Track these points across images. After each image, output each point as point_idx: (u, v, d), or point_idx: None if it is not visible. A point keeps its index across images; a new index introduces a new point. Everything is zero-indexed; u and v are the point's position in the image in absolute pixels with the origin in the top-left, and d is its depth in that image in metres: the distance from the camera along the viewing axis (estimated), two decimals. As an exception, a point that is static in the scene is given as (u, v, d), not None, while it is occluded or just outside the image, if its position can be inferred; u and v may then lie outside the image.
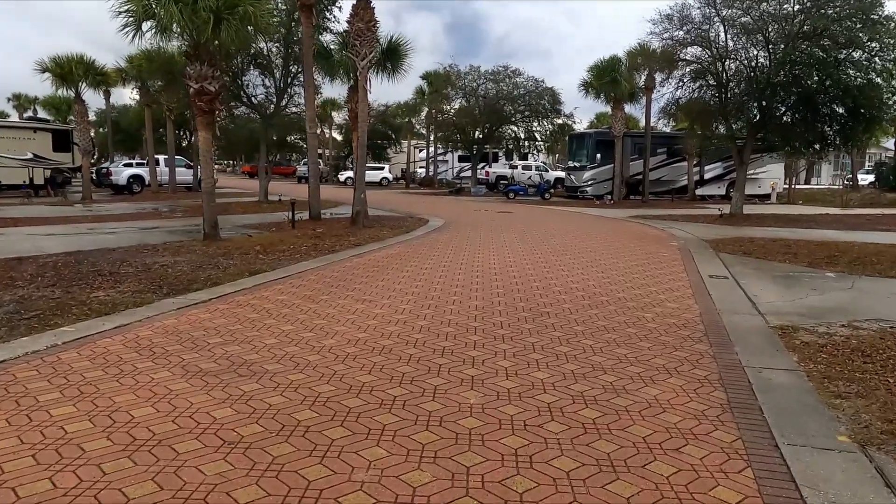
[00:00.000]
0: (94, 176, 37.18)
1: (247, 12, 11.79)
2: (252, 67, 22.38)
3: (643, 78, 27.25)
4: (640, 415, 4.02)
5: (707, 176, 32.78)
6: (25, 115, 40.33)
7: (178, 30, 11.78)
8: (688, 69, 20.30)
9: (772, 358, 5.30)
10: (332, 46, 20.00)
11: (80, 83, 25.72)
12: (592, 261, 10.67)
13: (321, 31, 20.45)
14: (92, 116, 55.53)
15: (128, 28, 11.81)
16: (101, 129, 48.74)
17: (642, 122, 32.15)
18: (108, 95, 38.19)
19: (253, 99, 23.68)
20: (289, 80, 23.37)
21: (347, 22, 15.13)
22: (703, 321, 6.54)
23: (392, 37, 17.81)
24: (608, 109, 31.29)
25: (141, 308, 6.74)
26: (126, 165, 34.71)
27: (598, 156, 30.23)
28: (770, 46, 18.21)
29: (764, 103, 18.89)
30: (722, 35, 19.35)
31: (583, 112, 57.37)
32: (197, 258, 10.35)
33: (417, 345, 5.44)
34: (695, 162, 31.77)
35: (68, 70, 24.93)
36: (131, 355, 5.07)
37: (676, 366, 5.01)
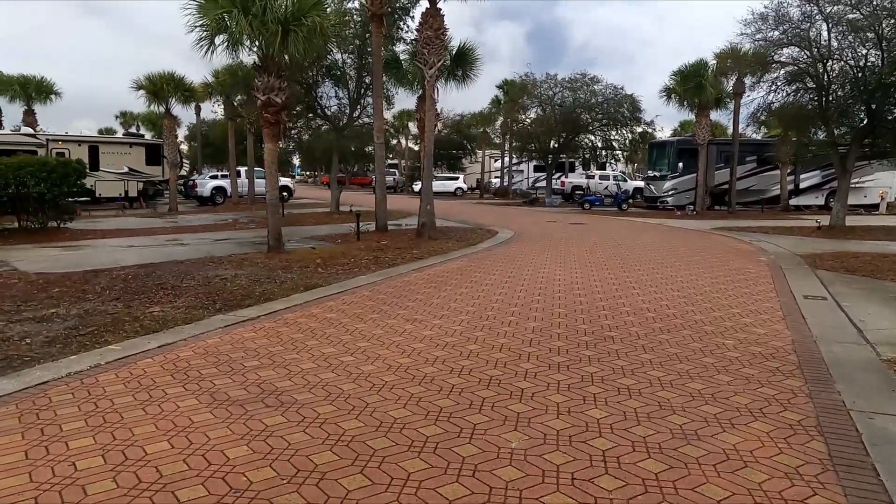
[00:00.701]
0: (181, 188, 39.21)
1: (315, 23, 11.74)
2: (326, 79, 22.59)
3: (731, 82, 25.70)
4: (714, 470, 3.36)
5: (803, 185, 30.54)
6: (124, 132, 42.88)
7: (248, 42, 11.87)
8: (782, 72, 18.86)
9: (887, 400, 4.47)
10: (403, 56, 19.90)
11: (170, 99, 26.99)
12: (667, 277, 9.83)
13: (393, 41, 20.41)
14: (185, 131, 58.71)
15: (202, 42, 12.01)
16: (192, 143, 51.31)
17: (730, 130, 30.35)
18: (198, 110, 40.00)
19: (327, 110, 23.93)
20: (361, 90, 23.49)
21: (416, 30, 14.91)
22: (797, 351, 5.70)
23: (462, 43, 17.49)
24: (692, 117, 29.72)
25: (189, 325, 6.59)
26: (212, 178, 36.10)
27: (681, 164, 28.75)
28: (883, 43, 16.57)
29: (874, 106, 17.22)
30: (824, 34, 17.84)
31: (665, 120, 55.34)
32: (257, 271, 10.29)
33: (463, 373, 4.95)
34: (789, 170, 29.67)
35: (160, 87, 26.21)
36: (165, 379, 4.85)
37: (762, 406, 4.28)
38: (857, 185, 24.61)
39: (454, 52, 17.47)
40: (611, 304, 7.69)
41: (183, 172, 58.93)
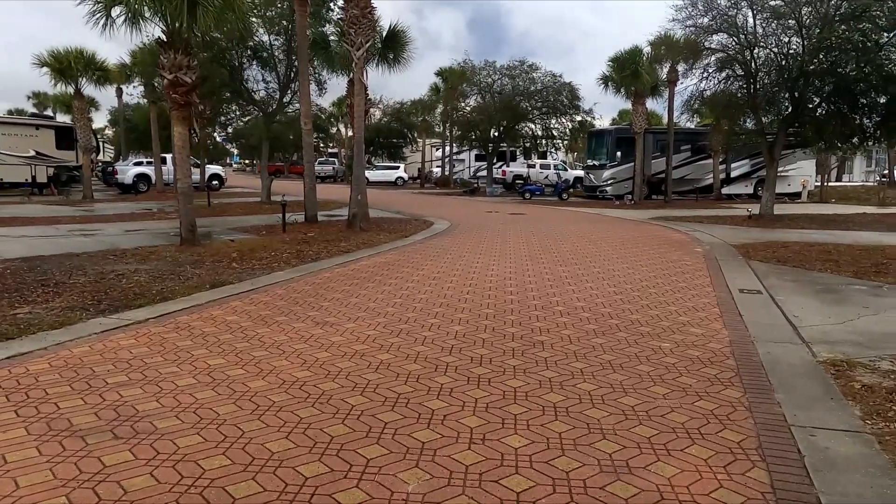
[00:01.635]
0: (100, 175, 36.90)
1: (225, -5, 10.75)
2: (253, 61, 21.34)
3: (666, 70, 25.74)
4: (647, 514, 2.81)
5: (734, 174, 31.14)
6: (29, 113, 39.51)
7: (150, 14, 10.77)
8: (713, 58, 18.82)
9: (826, 412, 4.05)
10: (333, 38, 18.88)
11: (80, 78, 25.04)
12: (605, 271, 9.42)
13: (323, 21, 19.39)
14: (107, 115, 55.35)
15: (97, 14, 10.84)
16: (117, 128, 48.41)
17: (666, 119, 30.55)
18: (119, 92, 37.60)
19: (254, 94, 22.68)
20: (291, 74, 22.35)
21: (341, 8, 14.02)
22: (734, 353, 5.29)
23: (392, 24, 16.62)
24: (630, 106, 29.78)
25: (57, 331, 5.68)
26: (136, 164, 34.01)
27: (619, 154, 28.77)
28: (804, 31, 16.66)
29: (797, 94, 17.36)
30: (750, 20, 17.87)
31: (604, 108, 55.73)
32: (162, 266, 9.32)
33: (367, 390, 4.28)
34: (721, 159, 30.15)
35: (66, 64, 24.23)
36: None
37: (700, 425, 3.79)
38: (782, 174, 25.10)
39: (385, 34, 16.62)
40: (543, 302, 7.16)
41: (108, 158, 55.92)
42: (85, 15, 10.78)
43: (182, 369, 4.66)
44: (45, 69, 24.50)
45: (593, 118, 35.54)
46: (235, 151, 74.19)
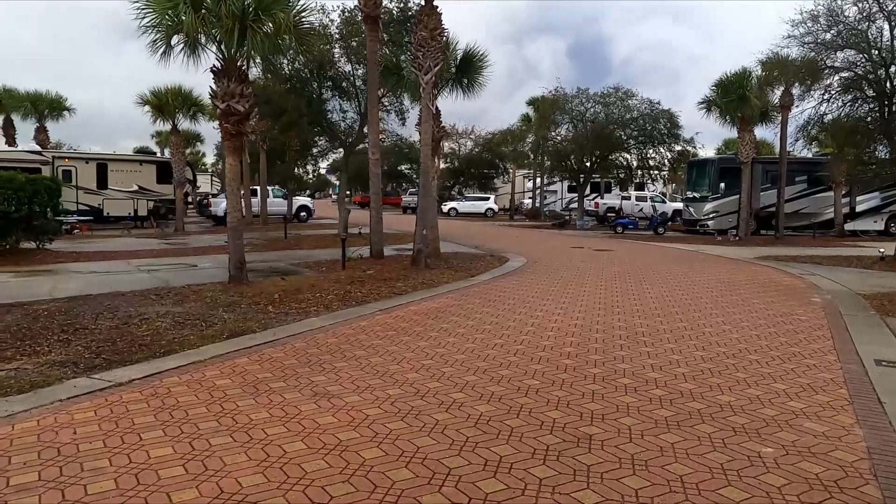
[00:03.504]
0: (196, 207, 38.40)
1: (279, 20, 10.18)
2: (332, 91, 21.11)
3: (778, 94, 23.23)
4: None
5: (860, 208, 27.65)
6: (134, 149, 41.63)
7: (205, 41, 10.38)
8: (836, 78, 16.52)
9: None
10: (405, 63, 18.24)
11: (177, 114, 25.96)
12: (694, 326, 7.76)
13: (402, 49, 18.79)
14: (213, 149, 58.20)
15: (157, 44, 10.57)
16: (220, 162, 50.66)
17: (777, 147, 27.70)
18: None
19: (336, 126, 22.47)
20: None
21: (409, 31, 13.22)
22: (877, 473, 3.65)
23: (468, 47, 15.67)
24: (735, 134, 27.21)
25: (23, 395, 4.90)
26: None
27: (722, 185, 26.29)
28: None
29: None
30: (886, 34, 15.51)
31: (707, 137, 52.06)
32: (195, 309, 8.62)
33: (322, 516, 3.08)
34: (843, 192, 26.85)
35: (165, 101, 25.19)
36: None
37: None
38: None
39: (459, 58, 15.69)
40: (606, 370, 5.70)
41: (215, 191, 58.59)
42: (147, 45, 10.53)
43: (117, 464, 3.66)
44: (146, 107, 25.66)
45: (695, 147, 33.06)
46: (336, 182, 76.07)
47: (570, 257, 16.91)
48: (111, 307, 8.76)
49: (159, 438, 4.03)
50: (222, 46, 10.49)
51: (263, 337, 7.00)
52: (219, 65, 10.66)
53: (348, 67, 20.77)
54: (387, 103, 22.97)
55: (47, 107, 28.72)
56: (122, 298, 9.51)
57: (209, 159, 72.21)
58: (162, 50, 10.60)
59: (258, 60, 11.13)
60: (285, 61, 19.05)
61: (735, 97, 22.72)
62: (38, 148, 27.46)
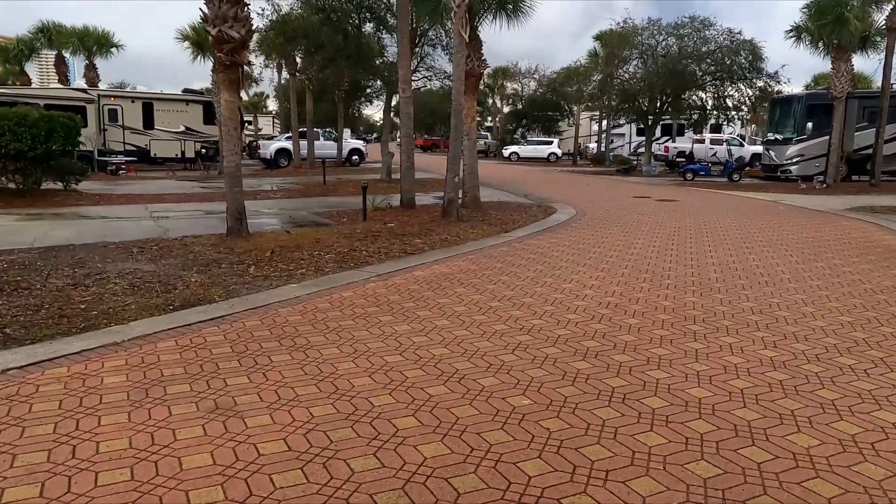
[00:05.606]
0: (247, 150, 37.77)
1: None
2: (369, 23, 19.34)
3: (886, 12, 19.77)
4: None
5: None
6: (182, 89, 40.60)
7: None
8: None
9: None
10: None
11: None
12: (763, 309, 6.00)
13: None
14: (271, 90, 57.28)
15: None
16: (286, 103, 49.60)
17: (880, 80, 24.08)
18: (279, 67, 37.29)
19: (376, 63, 20.81)
20: (416, 38, 20.07)
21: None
22: None
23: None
24: (828, 67, 23.72)
25: None
26: (288, 138, 33.97)
27: (809, 125, 23.19)
28: None
29: None
30: None
31: (795, 72, 46.45)
32: (167, 268, 7.50)
33: None
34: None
35: (204, 37, 24.07)
36: None
37: None
38: None
39: (500, -22, 13.65)
40: (630, 385, 4.14)
41: (276, 133, 58.03)
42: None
43: None
44: (186, 43, 24.68)
45: (779, 83, 29.42)
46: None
47: (625, 208, 14.99)
48: (81, 261, 7.79)
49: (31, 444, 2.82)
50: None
51: (217, 310, 5.76)
52: (208, -18, 9.22)
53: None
54: (432, 36, 21.11)
55: (95, 42, 28.26)
56: (101, 251, 8.54)
57: (272, 103, 71.39)
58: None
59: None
60: None
61: (830, 19, 19.50)
62: (84, 86, 27.11)
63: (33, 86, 31.66)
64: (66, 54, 28.62)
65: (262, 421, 3.48)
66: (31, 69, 32.84)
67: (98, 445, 3.18)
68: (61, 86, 27.05)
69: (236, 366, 4.34)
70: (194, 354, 4.56)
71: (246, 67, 9.54)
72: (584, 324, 5.42)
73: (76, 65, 30.22)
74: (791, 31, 21.75)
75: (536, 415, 3.59)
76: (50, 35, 27.88)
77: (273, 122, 67.79)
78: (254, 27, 9.74)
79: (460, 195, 13.50)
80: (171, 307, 5.81)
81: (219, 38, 9.19)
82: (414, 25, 19.76)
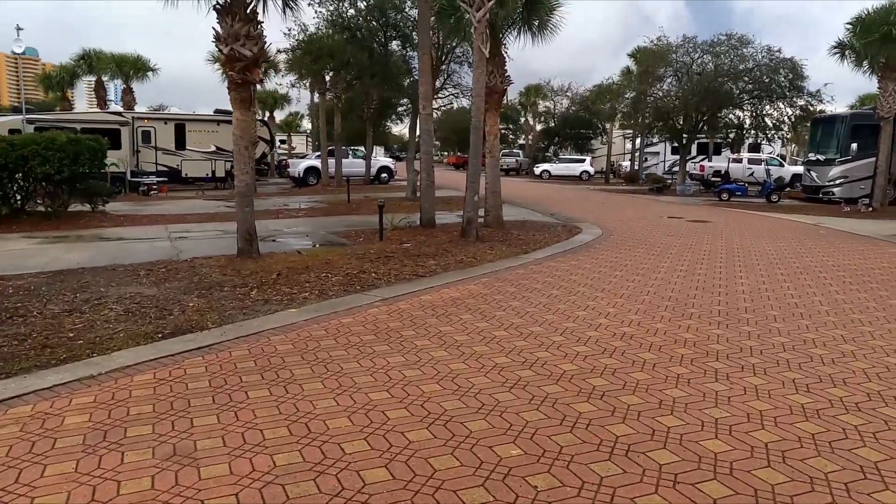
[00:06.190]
0: (277, 169, 38.15)
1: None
2: (394, 41, 19.29)
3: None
4: None
5: None
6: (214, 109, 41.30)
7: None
8: None
9: None
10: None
11: (248, 74, 25.12)
12: (797, 345, 5.45)
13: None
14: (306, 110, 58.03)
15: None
16: (316, 122, 50.13)
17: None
18: (313, 88, 37.44)
19: (401, 81, 20.70)
20: (441, 56, 19.93)
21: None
22: None
23: (535, -18, 13.25)
24: (875, 87, 22.69)
25: None
26: (317, 157, 34.18)
27: (854, 146, 22.26)
28: None
29: None
30: None
31: (839, 92, 44.91)
32: (169, 292, 7.29)
33: None
34: None
35: (235, 60, 24.39)
36: None
37: None
38: None
39: (527, -5, 13.30)
40: (637, 435, 3.68)
41: (309, 151, 58.73)
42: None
43: None
44: (216, 65, 25.02)
45: (821, 101, 28.45)
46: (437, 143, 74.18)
47: (655, 229, 14.41)
48: (85, 285, 7.63)
49: None
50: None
51: (208, 337, 5.48)
52: (222, 1, 9.13)
53: (414, 12, 18.81)
54: (459, 53, 20.94)
55: (131, 67, 28.92)
56: (109, 274, 8.39)
57: (307, 122, 72.34)
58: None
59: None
60: (346, 4, 17.31)
61: (878, 37, 18.69)
62: (120, 109, 27.71)
63: (72, 111, 32.58)
64: (105, 79, 29.42)
65: (217, 471, 3.14)
66: (80, 93, 33.97)
67: (31, 502, 2.86)
68: (98, 110, 27.72)
69: (209, 403, 4.02)
70: (168, 389, 4.26)
71: (258, 86, 9.36)
72: (594, 358, 4.97)
73: (116, 89, 31.04)
74: (835, 48, 20.93)
75: (524, 468, 3.17)
76: (91, 62, 28.69)
77: (307, 141, 68.69)
78: (268, 45, 9.58)
79: (482, 214, 13.15)
80: (160, 335, 5.55)
81: (231, 56, 9.07)
82: (440, 42, 19.67)
